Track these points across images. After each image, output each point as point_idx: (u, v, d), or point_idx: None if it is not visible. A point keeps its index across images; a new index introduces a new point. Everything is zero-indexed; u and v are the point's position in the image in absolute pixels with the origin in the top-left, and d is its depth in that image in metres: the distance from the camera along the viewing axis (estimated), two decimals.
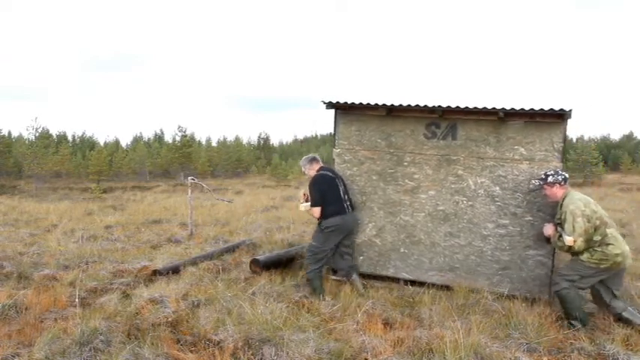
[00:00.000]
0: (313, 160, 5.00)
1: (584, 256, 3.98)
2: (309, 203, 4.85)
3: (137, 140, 54.83)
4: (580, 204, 3.98)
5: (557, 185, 4.17)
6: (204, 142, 55.15)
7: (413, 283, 5.06)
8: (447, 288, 4.81)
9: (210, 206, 13.28)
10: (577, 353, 3.48)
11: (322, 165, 5.02)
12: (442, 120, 4.83)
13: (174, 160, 36.99)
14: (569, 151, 33.32)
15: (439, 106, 4.65)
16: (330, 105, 5.11)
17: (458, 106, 4.58)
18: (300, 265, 5.64)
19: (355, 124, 5.18)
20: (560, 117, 4.43)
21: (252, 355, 3.33)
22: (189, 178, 9.02)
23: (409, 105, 4.76)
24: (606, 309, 4.11)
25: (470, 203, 4.80)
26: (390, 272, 5.14)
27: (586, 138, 46.88)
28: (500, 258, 4.73)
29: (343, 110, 5.19)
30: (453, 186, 4.86)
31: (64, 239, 7.71)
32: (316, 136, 74.74)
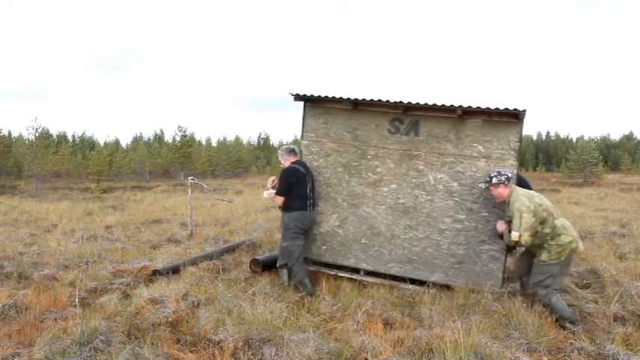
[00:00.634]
0: (291, 151, 5.18)
1: (544, 257, 4.12)
2: (274, 191, 5.05)
3: (137, 140, 54.80)
4: (524, 200, 4.12)
5: (502, 185, 4.32)
6: (204, 142, 55.17)
7: (372, 274, 5.18)
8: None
9: (210, 206, 13.28)
10: (577, 353, 3.49)
11: (298, 159, 5.18)
12: (405, 116, 4.96)
13: (175, 160, 36.96)
14: (569, 151, 33.31)
15: (401, 102, 4.78)
16: (297, 97, 5.25)
17: (418, 103, 4.72)
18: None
19: (323, 117, 5.31)
20: (516, 117, 4.55)
21: (252, 355, 3.34)
22: (190, 178, 9.01)
23: (372, 100, 4.89)
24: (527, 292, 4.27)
25: (429, 198, 4.93)
26: (351, 262, 5.26)
27: (586, 138, 46.87)
28: (455, 252, 4.86)
29: (312, 103, 5.32)
30: (413, 180, 4.98)
31: (64, 239, 7.70)
32: None
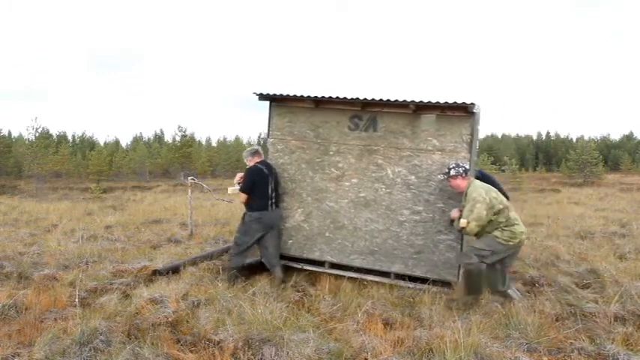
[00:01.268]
0: (255, 153, 5.39)
1: (496, 233, 4.37)
2: (238, 187, 5.29)
3: (137, 140, 54.82)
4: (482, 191, 4.34)
5: (460, 177, 4.49)
6: (204, 142, 55.18)
7: (336, 266, 5.31)
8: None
9: (210, 206, 13.28)
10: (577, 353, 3.48)
11: (262, 159, 5.38)
12: (364, 112, 5.11)
13: (175, 160, 36.95)
14: (569, 151, 33.29)
15: (357, 98, 4.92)
16: (262, 97, 5.39)
17: (373, 99, 4.87)
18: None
19: (287, 116, 5.45)
20: (467, 111, 4.67)
21: (252, 355, 3.34)
22: (190, 178, 9.01)
23: (331, 97, 5.02)
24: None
25: (388, 191, 5.06)
26: (316, 255, 5.39)
27: (586, 138, 46.84)
28: (414, 242, 4.98)
29: (277, 102, 5.47)
30: (373, 174, 5.11)
31: (64, 239, 7.70)
32: None
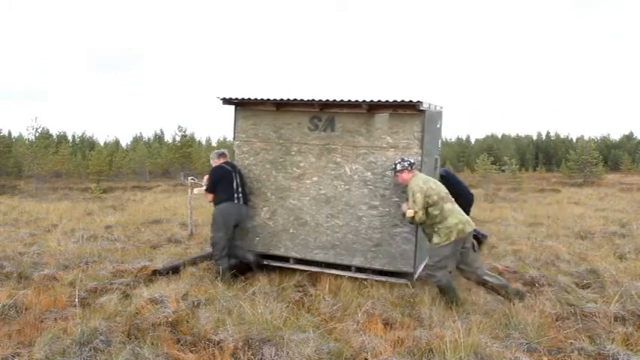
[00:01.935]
0: (221, 155, 5.66)
1: (436, 240, 4.44)
2: (204, 187, 5.59)
3: (137, 140, 54.75)
4: (419, 182, 4.50)
5: (406, 171, 4.65)
6: (204, 142, 55.15)
7: (300, 261, 5.47)
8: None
9: (211, 206, 13.26)
10: (577, 353, 3.49)
11: (227, 160, 5.63)
12: (323, 113, 5.31)
13: (175, 160, 36.93)
14: (569, 151, 33.27)
15: (315, 100, 5.13)
16: (225, 101, 5.56)
17: (330, 100, 5.07)
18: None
19: (252, 119, 5.65)
20: (417, 109, 4.87)
21: (252, 355, 3.34)
22: (190, 178, 9.00)
23: (290, 100, 5.23)
24: (473, 277, 4.56)
25: (347, 187, 5.25)
26: (281, 251, 5.56)
27: (586, 138, 46.85)
28: (372, 236, 5.16)
29: (241, 106, 5.66)
30: (332, 172, 5.31)
31: (64, 239, 7.70)
32: None
